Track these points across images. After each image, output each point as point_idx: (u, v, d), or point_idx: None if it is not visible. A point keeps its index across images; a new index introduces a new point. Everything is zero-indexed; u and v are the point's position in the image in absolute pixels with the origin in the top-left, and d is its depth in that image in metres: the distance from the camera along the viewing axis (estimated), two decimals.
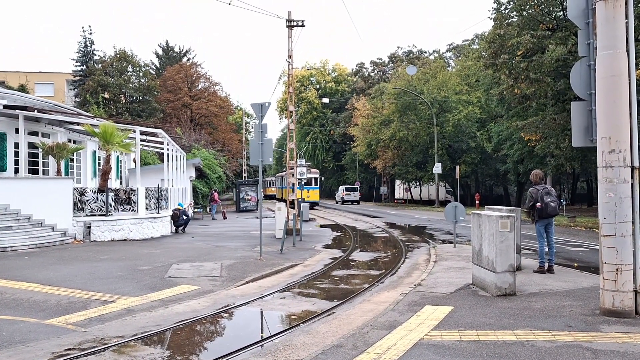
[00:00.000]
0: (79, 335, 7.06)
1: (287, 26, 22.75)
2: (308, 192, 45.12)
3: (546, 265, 10.76)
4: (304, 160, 45.60)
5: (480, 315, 7.42)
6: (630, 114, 7.09)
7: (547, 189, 10.51)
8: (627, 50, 7.08)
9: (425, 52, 71.35)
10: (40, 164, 21.28)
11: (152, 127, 25.41)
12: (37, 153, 20.83)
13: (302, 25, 22.82)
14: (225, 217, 32.60)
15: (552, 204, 10.36)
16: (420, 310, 7.83)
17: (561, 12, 25.70)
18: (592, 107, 7.53)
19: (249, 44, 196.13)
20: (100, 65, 50.08)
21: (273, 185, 68.68)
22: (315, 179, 48.49)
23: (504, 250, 8.36)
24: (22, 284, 10.30)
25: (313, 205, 46.63)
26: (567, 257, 14.14)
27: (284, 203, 21.04)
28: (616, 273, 6.98)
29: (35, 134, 21.03)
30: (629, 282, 7.01)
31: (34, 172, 20.92)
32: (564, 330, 6.60)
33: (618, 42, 7.01)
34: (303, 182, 42.50)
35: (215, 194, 34.84)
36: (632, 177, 7.06)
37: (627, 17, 7.07)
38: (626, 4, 7.06)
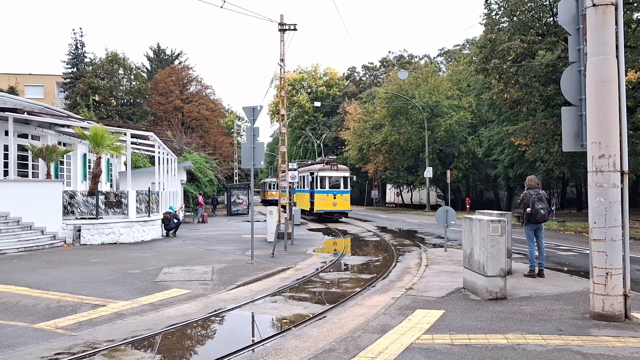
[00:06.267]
0: (68, 339, 7.00)
1: (279, 30, 22.75)
2: (335, 197, 32.84)
3: (536, 269, 10.83)
4: (298, 161, 40.10)
5: (472, 319, 7.44)
6: (620, 119, 7.15)
7: (540, 195, 10.60)
8: (617, 56, 7.15)
9: (416, 57, 71.71)
10: (30, 166, 21.11)
11: (143, 130, 25.30)
12: (27, 156, 20.67)
13: (294, 29, 22.82)
14: (205, 221, 32.46)
15: (542, 211, 10.45)
16: (411, 314, 7.84)
17: (551, 18, 25.92)
18: (582, 112, 7.59)
19: (241, 48, 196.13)
20: (90, 68, 49.85)
21: (275, 188, 56.53)
22: (345, 178, 33.90)
23: (495, 254, 8.39)
24: (11, 288, 10.21)
25: (341, 215, 34.48)
26: (557, 261, 14.23)
27: (276, 207, 20.86)
28: (606, 277, 7.03)
29: (25, 136, 20.87)
30: (618, 286, 7.06)
31: (24, 174, 20.74)
32: (554, 334, 6.64)
33: (608, 48, 7.08)
34: (328, 185, 33.11)
35: (200, 197, 34.76)
36: (622, 181, 7.11)
37: (616, 24, 7.15)
38: (616, 10, 7.14)
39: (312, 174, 34.28)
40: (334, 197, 32.78)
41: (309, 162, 42.45)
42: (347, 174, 34.28)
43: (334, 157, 39.28)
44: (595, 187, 7.14)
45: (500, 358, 5.74)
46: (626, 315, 7.14)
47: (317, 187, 33.11)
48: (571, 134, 7.79)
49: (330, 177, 33.36)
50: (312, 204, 33.95)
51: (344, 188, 33.54)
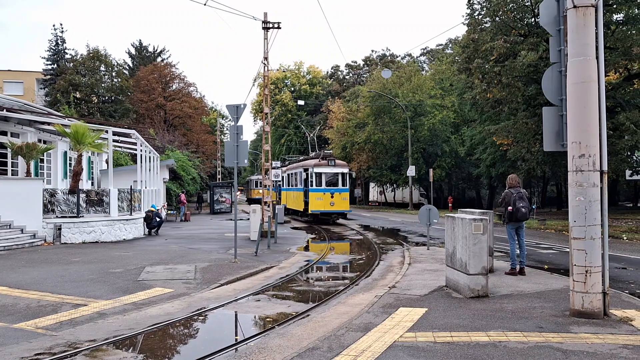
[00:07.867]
0: (49, 339, 6.91)
1: (263, 28, 22.67)
2: (332, 196, 29.19)
3: (517, 267, 10.96)
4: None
5: (454, 317, 7.51)
6: (600, 119, 7.26)
7: (521, 194, 10.74)
8: (597, 57, 7.26)
9: (399, 56, 72.03)
10: (9, 164, 20.78)
11: (125, 128, 25.04)
12: (6, 153, 20.36)
13: (278, 27, 22.76)
14: (188, 220, 32.29)
15: (522, 209, 10.59)
16: (394, 312, 7.88)
17: (533, 19, 26.21)
18: (563, 113, 7.70)
19: (224, 46, 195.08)
20: (71, 64, 49.13)
21: (261, 186, 49.96)
22: (344, 175, 30.30)
23: (477, 252, 8.46)
24: None
25: (339, 217, 30.76)
26: (538, 259, 14.39)
27: (259, 205, 20.70)
28: (585, 275, 7.14)
29: (4, 133, 20.53)
30: (597, 284, 7.17)
31: (3, 172, 20.42)
32: (535, 331, 6.72)
33: (588, 49, 7.18)
34: (324, 183, 29.60)
35: (183, 196, 34.60)
36: (601, 181, 7.23)
37: (597, 25, 7.25)
38: (596, 12, 7.24)
39: (306, 170, 31.10)
40: (332, 196, 29.20)
41: (301, 158, 39.60)
42: (346, 170, 30.87)
43: (330, 151, 35.77)
44: (575, 187, 7.24)
45: (482, 355, 5.80)
46: (605, 313, 7.25)
47: (312, 185, 29.69)
48: (552, 134, 7.90)
49: (327, 174, 29.84)
50: (306, 203, 30.87)
51: (343, 186, 29.94)
